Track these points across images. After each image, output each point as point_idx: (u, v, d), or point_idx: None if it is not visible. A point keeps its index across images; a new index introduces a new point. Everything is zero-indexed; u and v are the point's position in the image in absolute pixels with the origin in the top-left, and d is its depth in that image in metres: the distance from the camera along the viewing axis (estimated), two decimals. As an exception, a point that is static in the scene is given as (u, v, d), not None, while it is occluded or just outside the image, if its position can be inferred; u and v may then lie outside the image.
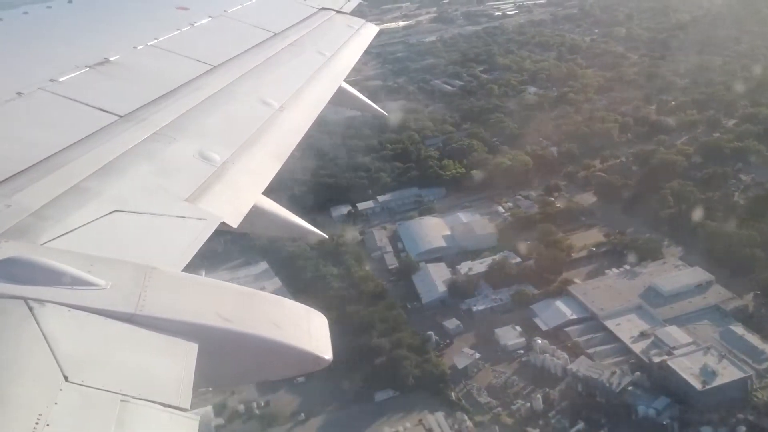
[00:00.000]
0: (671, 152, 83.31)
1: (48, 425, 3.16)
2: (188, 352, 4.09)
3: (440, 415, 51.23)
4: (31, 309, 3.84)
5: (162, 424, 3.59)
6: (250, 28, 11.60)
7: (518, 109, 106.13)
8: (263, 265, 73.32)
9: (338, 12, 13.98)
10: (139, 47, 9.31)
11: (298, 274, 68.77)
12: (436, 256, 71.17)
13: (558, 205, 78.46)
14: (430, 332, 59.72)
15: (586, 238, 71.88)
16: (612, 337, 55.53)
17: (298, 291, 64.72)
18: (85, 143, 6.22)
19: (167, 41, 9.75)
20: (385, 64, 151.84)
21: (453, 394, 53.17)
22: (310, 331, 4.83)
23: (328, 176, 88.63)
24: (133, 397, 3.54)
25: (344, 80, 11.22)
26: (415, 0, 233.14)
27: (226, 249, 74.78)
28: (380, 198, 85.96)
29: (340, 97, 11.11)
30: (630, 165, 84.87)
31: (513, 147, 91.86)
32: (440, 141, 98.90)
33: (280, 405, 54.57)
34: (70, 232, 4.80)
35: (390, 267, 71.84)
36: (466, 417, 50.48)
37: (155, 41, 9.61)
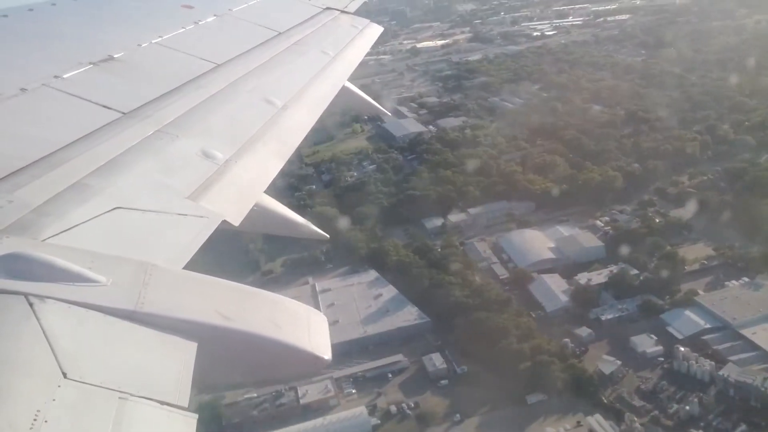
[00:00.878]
0: (760, 169, 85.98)
1: (46, 421, 3.16)
2: (187, 350, 4.09)
3: (599, 417, 53.43)
4: (31, 305, 3.85)
5: (160, 422, 3.59)
6: (255, 27, 11.61)
7: (590, 127, 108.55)
8: (373, 273, 76.50)
9: (342, 12, 13.98)
10: (143, 45, 9.32)
11: (413, 283, 71.38)
12: (546, 267, 74.15)
13: (657, 219, 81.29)
14: (566, 339, 62.27)
15: (694, 252, 74.55)
16: (751, 345, 57.74)
17: (416, 299, 68.86)
18: (88, 140, 6.22)
19: (171, 39, 9.76)
20: (434, 81, 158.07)
21: (603, 398, 55.59)
22: (310, 331, 4.82)
23: (416, 189, 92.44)
24: (132, 395, 3.54)
25: (348, 79, 11.23)
26: (446, 20, 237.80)
27: (328, 257, 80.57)
28: (471, 211, 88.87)
29: (344, 97, 11.11)
30: (719, 181, 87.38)
31: (595, 163, 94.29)
32: (517, 156, 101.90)
33: (429, 406, 56.88)
34: (72, 228, 4.80)
35: (501, 277, 74.58)
36: (635, 418, 52.68)
37: (160, 39, 9.63)
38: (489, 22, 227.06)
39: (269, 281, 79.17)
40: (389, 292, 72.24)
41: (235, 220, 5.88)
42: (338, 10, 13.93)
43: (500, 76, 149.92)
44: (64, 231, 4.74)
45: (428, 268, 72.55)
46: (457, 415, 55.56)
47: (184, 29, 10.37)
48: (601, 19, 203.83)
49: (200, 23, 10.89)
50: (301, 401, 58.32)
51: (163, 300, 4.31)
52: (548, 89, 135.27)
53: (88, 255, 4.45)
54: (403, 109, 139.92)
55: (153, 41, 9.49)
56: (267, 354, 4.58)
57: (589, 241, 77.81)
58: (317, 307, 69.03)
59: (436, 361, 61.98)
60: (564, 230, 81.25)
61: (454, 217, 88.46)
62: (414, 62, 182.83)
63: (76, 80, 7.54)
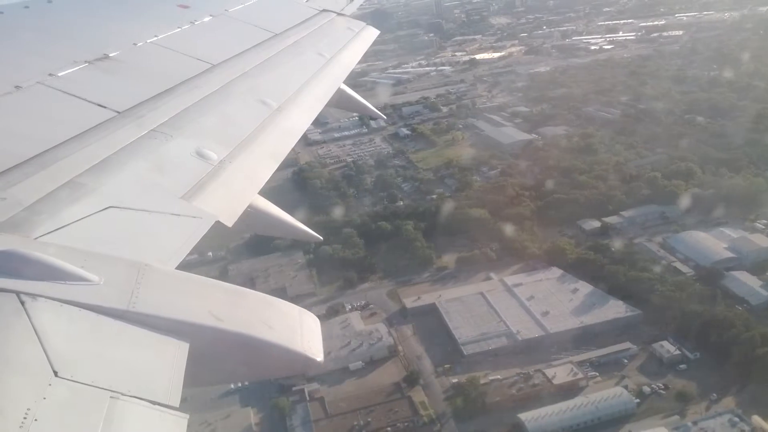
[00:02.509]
0: None
1: (36, 420, 3.15)
2: (179, 350, 4.08)
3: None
4: (23, 303, 3.83)
5: (151, 422, 3.58)
6: (251, 28, 11.60)
7: (705, 137, 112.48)
8: (556, 271, 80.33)
9: (339, 14, 13.99)
10: (138, 44, 9.30)
11: (608, 279, 75.63)
12: (728, 265, 77.97)
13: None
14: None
15: None
16: None
17: (614, 292, 73.77)
18: (82, 138, 6.21)
19: (167, 39, 9.74)
20: (513, 92, 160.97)
21: None
22: (302, 333, 4.82)
23: (564, 194, 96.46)
24: (123, 394, 3.54)
25: (344, 82, 11.23)
26: (486, 33, 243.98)
27: (499, 256, 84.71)
28: (624, 213, 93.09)
29: (339, 99, 11.12)
30: None
31: (731, 170, 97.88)
32: (645, 163, 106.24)
33: (678, 387, 61.53)
34: (65, 227, 4.78)
35: (687, 273, 78.13)
36: None
37: (155, 38, 9.61)
38: (536, 35, 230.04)
39: (446, 276, 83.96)
40: (583, 287, 76.32)
41: (229, 221, 5.88)
42: (335, 12, 13.94)
43: (581, 88, 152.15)
44: (57, 229, 4.72)
45: (614, 265, 77.44)
46: (714, 395, 59.87)
47: (180, 29, 10.35)
48: (656, 34, 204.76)
49: (196, 23, 10.88)
50: (554, 382, 62.66)
51: (155, 300, 4.30)
52: (638, 101, 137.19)
53: (80, 254, 4.44)
54: (496, 118, 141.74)
55: (149, 41, 9.47)
56: (259, 355, 4.58)
57: (764, 241, 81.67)
58: (517, 300, 72.26)
59: (667, 347, 66.08)
60: (730, 232, 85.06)
61: (609, 219, 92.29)
62: (478, 73, 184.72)
63: (71, 78, 7.52)
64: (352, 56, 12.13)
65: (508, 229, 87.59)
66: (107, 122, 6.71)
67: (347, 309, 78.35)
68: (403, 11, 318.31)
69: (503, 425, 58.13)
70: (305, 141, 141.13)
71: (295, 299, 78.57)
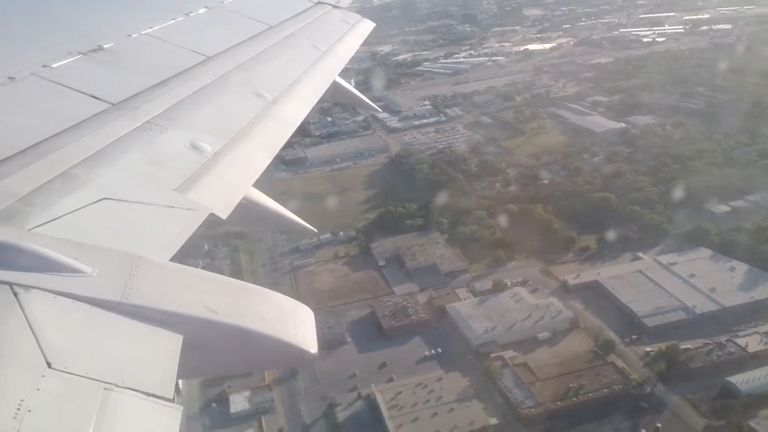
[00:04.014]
0: None
1: (29, 411, 3.15)
2: (173, 342, 4.09)
3: None
4: (15, 294, 3.83)
5: (145, 414, 3.59)
6: (246, 20, 11.57)
7: None
8: (704, 251, 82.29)
9: (334, 7, 13.96)
10: (133, 35, 9.27)
11: (759, 259, 77.56)
12: None
13: None
14: None
15: None
16: None
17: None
18: (76, 130, 6.19)
19: (162, 30, 9.71)
20: (582, 82, 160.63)
21: None
22: (296, 325, 4.83)
23: (677, 179, 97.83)
24: (117, 386, 3.54)
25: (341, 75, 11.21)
26: (524, 24, 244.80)
27: (640, 237, 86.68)
28: (749, 198, 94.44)
29: (334, 92, 11.11)
30: None
31: None
32: (751, 150, 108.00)
33: None
34: (58, 218, 4.78)
35: None
36: None
37: (150, 30, 9.58)
38: (579, 27, 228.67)
39: (592, 256, 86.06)
40: (739, 265, 78.35)
41: (223, 213, 5.87)
42: (330, 5, 13.90)
43: (653, 78, 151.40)
44: (51, 221, 4.72)
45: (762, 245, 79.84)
46: None
47: (174, 21, 10.32)
48: (705, 27, 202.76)
49: (191, 15, 10.84)
50: (749, 350, 64.90)
51: (149, 292, 4.30)
52: (717, 91, 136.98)
53: (74, 245, 4.44)
54: (577, 107, 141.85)
55: (143, 32, 9.44)
56: (253, 347, 4.58)
57: None
58: (679, 277, 74.96)
59: None
60: None
61: (734, 203, 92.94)
62: (536, 64, 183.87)
63: (65, 70, 7.50)
64: (347, 49, 12.11)
65: (639, 211, 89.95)
66: (101, 114, 6.69)
67: (508, 285, 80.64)
68: (427, 2, 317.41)
69: (711, 388, 60.70)
70: (386, 129, 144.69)
71: (450, 275, 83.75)
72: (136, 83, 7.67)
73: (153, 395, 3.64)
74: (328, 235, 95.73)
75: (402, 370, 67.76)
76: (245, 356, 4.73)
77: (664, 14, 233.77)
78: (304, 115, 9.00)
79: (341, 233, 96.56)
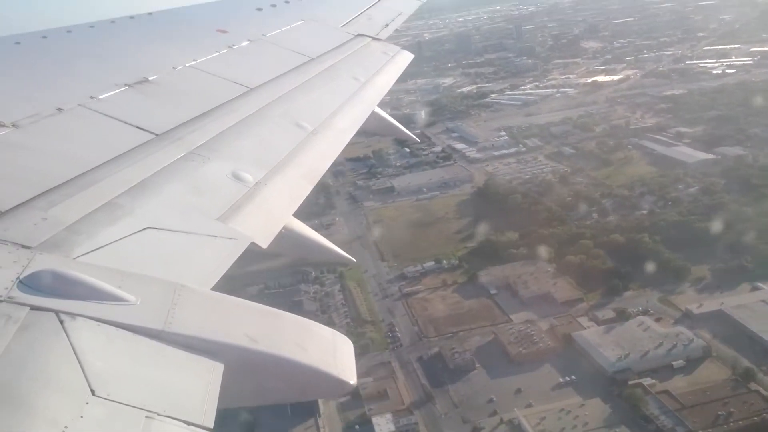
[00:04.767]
0: None
1: None
2: (214, 371, 4.09)
3: None
4: (61, 322, 3.88)
5: None
6: (287, 53, 11.74)
7: None
8: None
9: (374, 39, 14.10)
10: (178, 68, 9.47)
11: None
12: None
13: None
14: None
15: None
16: None
17: None
18: (121, 160, 6.31)
19: (206, 63, 9.90)
20: (659, 114, 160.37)
21: None
22: (336, 355, 4.80)
23: None
24: (158, 414, 3.54)
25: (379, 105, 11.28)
26: (583, 56, 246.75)
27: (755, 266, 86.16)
28: None
29: (373, 122, 11.16)
30: None
31: None
32: None
33: None
34: (103, 247, 4.85)
35: None
36: None
37: (194, 62, 9.77)
38: (643, 59, 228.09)
39: (706, 287, 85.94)
40: None
41: (264, 242, 5.90)
42: (370, 37, 14.05)
43: (732, 110, 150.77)
44: (96, 249, 4.79)
45: None
46: None
47: (218, 53, 10.52)
48: None
49: (234, 48, 11.04)
50: None
51: (191, 320, 4.32)
52: None
53: (118, 274, 4.49)
54: (660, 138, 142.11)
55: (187, 64, 9.63)
56: (293, 377, 4.56)
57: None
58: None
59: None
60: None
61: None
62: (608, 96, 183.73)
63: (111, 101, 7.67)
64: (387, 80, 12.19)
65: (751, 242, 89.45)
66: (146, 144, 6.82)
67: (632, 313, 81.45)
68: (479, 35, 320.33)
69: None
70: (465, 159, 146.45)
71: (567, 304, 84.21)
72: (179, 114, 7.81)
73: (193, 424, 3.64)
74: (432, 263, 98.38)
75: (539, 396, 68.69)
76: (285, 385, 4.71)
77: (728, 46, 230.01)
78: (344, 145, 9.05)
79: (444, 261, 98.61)
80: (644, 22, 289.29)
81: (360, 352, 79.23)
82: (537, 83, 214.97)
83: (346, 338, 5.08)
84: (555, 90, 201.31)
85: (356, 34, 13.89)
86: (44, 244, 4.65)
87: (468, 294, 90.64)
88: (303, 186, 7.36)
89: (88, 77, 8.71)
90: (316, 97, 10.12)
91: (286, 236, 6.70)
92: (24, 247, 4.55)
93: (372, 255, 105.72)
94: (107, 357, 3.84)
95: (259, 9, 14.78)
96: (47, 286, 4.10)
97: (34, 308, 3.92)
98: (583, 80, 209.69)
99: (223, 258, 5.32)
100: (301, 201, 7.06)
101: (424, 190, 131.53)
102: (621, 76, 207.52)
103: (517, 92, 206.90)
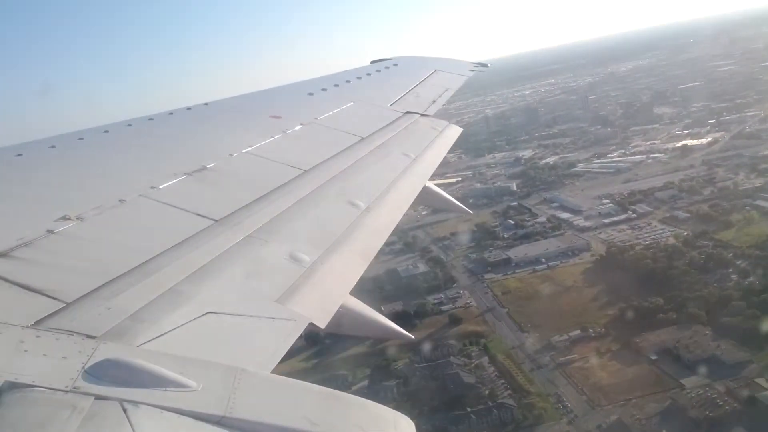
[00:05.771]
0: None
1: None
2: None
3: None
4: (125, 410, 3.92)
5: None
6: (339, 134, 12.00)
7: None
8: None
9: (422, 115, 14.33)
10: (234, 154, 9.75)
11: None
12: None
13: None
14: None
15: None
16: None
17: None
18: (181, 247, 6.46)
19: (261, 148, 10.19)
20: (765, 173, 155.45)
21: None
22: None
23: None
24: None
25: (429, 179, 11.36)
26: (662, 122, 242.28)
27: None
28: None
29: (425, 197, 11.22)
30: None
31: None
32: None
33: None
34: (165, 333, 4.93)
35: None
36: None
37: (250, 148, 10.06)
38: (726, 121, 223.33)
39: None
40: None
41: (322, 323, 5.91)
42: (418, 113, 14.28)
43: None
44: (158, 336, 4.87)
45: None
46: None
47: (272, 138, 10.81)
48: None
49: (288, 132, 11.35)
50: None
51: (252, 405, 4.32)
52: None
53: (180, 360, 4.54)
54: None
55: (243, 150, 9.92)
56: None
57: None
58: None
59: None
60: None
61: None
62: (704, 159, 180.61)
63: (171, 190, 7.92)
64: (436, 154, 12.31)
65: None
66: (205, 230, 6.98)
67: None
68: (544, 107, 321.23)
69: None
70: (574, 228, 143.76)
71: (737, 366, 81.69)
72: (237, 199, 8.00)
73: None
74: (578, 331, 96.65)
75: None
76: None
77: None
78: (397, 221, 9.10)
79: (590, 330, 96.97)
80: (712, 86, 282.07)
81: (534, 422, 77.92)
82: (623, 150, 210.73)
83: (408, 419, 4.99)
84: (645, 156, 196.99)
85: (405, 111, 14.15)
86: (108, 333, 4.75)
87: (627, 361, 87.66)
88: (358, 264, 7.39)
89: (149, 168, 9.04)
90: (369, 175, 10.26)
91: (343, 315, 6.69)
92: (89, 336, 4.66)
93: (509, 326, 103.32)
94: None
95: (311, 94, 15.23)
96: (111, 375, 4.17)
97: (98, 398, 3.97)
98: (671, 145, 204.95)
99: (282, 340, 5.34)
100: (357, 279, 7.08)
101: (543, 260, 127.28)
102: (709, 139, 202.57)
103: (605, 160, 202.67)
